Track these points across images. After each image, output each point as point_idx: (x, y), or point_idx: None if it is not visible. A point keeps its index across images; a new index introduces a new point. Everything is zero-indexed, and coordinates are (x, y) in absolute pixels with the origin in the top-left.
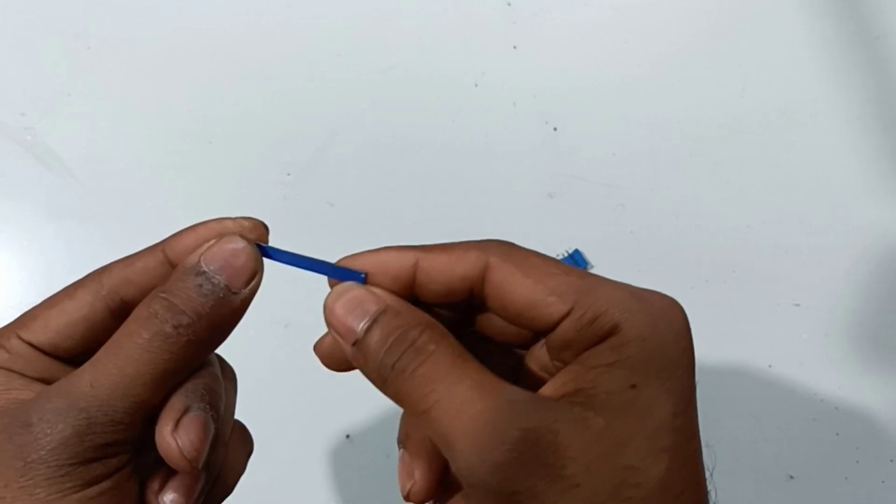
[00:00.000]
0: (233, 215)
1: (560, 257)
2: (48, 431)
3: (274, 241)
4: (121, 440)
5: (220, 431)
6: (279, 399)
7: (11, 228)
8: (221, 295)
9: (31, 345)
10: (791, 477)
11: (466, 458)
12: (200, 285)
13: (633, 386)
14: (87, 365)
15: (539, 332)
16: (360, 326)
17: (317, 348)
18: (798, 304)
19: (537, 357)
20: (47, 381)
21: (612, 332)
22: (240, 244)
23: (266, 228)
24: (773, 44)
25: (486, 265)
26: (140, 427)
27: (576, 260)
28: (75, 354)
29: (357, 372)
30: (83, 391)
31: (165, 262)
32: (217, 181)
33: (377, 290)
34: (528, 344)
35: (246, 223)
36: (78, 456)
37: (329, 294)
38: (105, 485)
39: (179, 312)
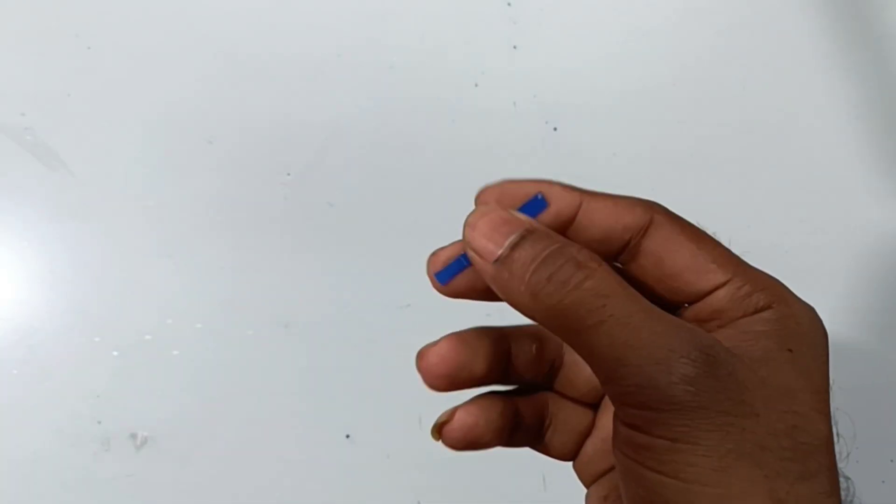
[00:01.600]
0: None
1: None
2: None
3: (274, 241)
4: None
5: None
6: (279, 399)
7: (12, 228)
8: None
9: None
10: None
11: (648, 372)
12: None
13: (790, 350)
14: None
15: (685, 298)
16: (508, 242)
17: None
18: None
19: None
20: None
21: (764, 308)
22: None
23: None
24: (774, 44)
25: (651, 220)
26: None
27: None
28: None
29: (356, 373)
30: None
31: None
32: (217, 181)
33: (524, 217)
34: None
35: None
36: None
37: (471, 212)
38: None
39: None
